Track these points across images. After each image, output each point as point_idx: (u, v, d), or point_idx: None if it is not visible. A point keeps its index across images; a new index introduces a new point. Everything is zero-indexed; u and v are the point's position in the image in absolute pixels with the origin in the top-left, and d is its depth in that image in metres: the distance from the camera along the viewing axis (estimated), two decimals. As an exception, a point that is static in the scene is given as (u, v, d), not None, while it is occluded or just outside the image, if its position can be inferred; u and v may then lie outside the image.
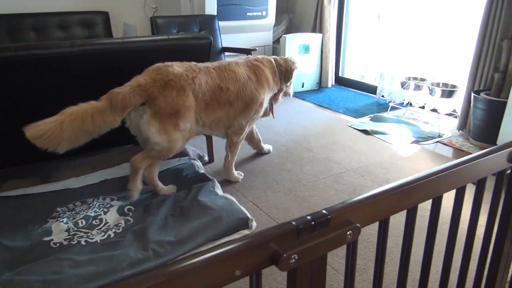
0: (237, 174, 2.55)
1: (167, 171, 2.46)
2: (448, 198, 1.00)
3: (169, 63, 2.10)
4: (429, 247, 0.99)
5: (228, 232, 1.92)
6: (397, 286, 0.98)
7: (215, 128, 2.36)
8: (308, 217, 0.71)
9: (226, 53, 3.93)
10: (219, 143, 3.04)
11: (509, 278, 1.28)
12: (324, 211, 0.74)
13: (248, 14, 4.16)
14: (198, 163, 2.61)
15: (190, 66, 2.14)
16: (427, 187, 0.89)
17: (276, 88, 2.56)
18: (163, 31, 3.53)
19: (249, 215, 2.03)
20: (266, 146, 2.94)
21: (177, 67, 2.09)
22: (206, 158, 2.80)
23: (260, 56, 2.52)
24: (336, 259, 1.81)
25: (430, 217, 0.96)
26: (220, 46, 3.81)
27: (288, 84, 2.64)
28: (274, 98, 2.64)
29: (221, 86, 2.21)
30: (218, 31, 3.82)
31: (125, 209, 2.09)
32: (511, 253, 1.23)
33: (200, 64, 2.21)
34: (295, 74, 2.61)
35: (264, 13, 4.26)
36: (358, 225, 0.75)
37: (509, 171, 1.10)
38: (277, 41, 4.63)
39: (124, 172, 2.41)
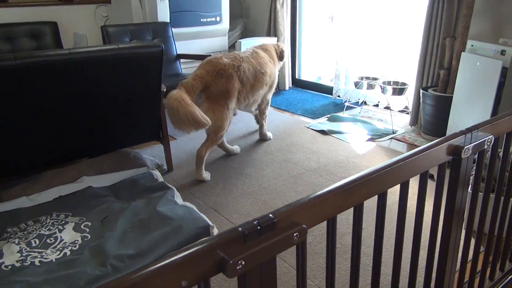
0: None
1: (124, 182, 2.41)
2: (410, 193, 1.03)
3: (218, 55, 2.63)
4: (378, 242, 1.02)
5: (189, 241, 1.90)
6: (350, 281, 1.01)
7: (252, 105, 2.95)
8: (254, 222, 0.72)
9: (182, 60, 3.90)
10: (177, 152, 3.01)
11: (458, 267, 1.34)
12: (270, 215, 0.74)
13: (202, 20, 4.15)
14: (156, 172, 2.57)
15: (234, 56, 2.68)
16: (372, 184, 0.92)
17: (279, 66, 3.18)
18: (115, 40, 3.46)
19: (210, 222, 2.02)
20: (235, 148, 3.07)
21: (225, 58, 2.61)
22: (165, 167, 2.77)
23: (267, 43, 3.14)
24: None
25: (377, 213, 1.00)
26: (175, 53, 3.78)
27: (281, 63, 3.22)
28: None
29: (262, 71, 2.80)
30: (172, 38, 3.78)
31: (82, 226, 2.02)
32: (457, 241, 1.29)
33: (242, 54, 2.77)
34: (281, 55, 3.18)
35: (218, 18, 4.27)
36: (304, 226, 0.76)
37: (449, 164, 1.16)
38: (232, 46, 4.64)
39: (80, 186, 2.34)
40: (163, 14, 3.86)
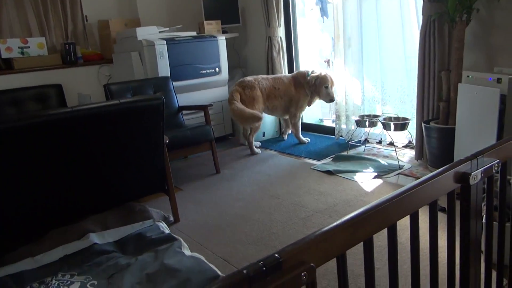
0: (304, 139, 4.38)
1: (130, 236, 2.36)
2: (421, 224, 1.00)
3: (247, 77, 4.22)
4: (392, 279, 0.97)
5: (198, 294, 1.83)
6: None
7: (275, 111, 4.32)
8: (260, 263, 0.69)
9: (184, 112, 3.97)
10: (183, 202, 2.99)
11: (481, 300, 1.26)
12: (276, 255, 0.72)
13: (201, 72, 4.26)
14: (163, 224, 2.53)
15: (257, 77, 4.21)
16: (379, 217, 0.89)
17: (308, 93, 4.20)
18: (117, 96, 3.54)
19: (219, 273, 1.95)
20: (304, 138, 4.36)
21: (250, 78, 4.19)
22: (171, 218, 2.73)
23: (295, 72, 4.39)
24: None
25: (388, 246, 0.96)
26: (177, 106, 3.84)
27: (317, 93, 4.15)
28: (309, 101, 4.28)
29: (275, 87, 4.18)
30: (173, 92, 3.87)
31: (88, 285, 1.96)
32: (478, 275, 1.23)
33: (264, 75, 4.29)
34: (314, 83, 4.11)
35: (217, 70, 4.38)
36: (312, 264, 0.73)
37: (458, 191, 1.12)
38: (233, 95, 4.73)
39: (85, 244, 2.29)
40: (164, 69, 3.98)
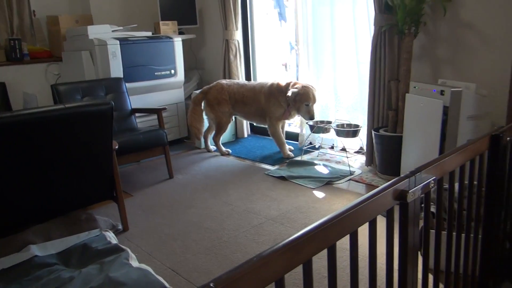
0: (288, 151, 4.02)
1: (74, 247, 2.26)
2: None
3: (223, 80, 4.27)
4: (332, 298, 0.98)
5: (145, 307, 1.78)
6: None
7: (249, 117, 4.24)
8: (193, 294, 0.67)
9: (137, 114, 3.86)
10: (133, 209, 2.90)
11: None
12: (211, 284, 0.70)
13: (156, 74, 4.17)
14: (110, 234, 2.44)
15: (232, 81, 4.20)
16: (319, 238, 0.89)
17: (283, 105, 3.86)
18: (66, 98, 3.39)
19: (167, 285, 1.91)
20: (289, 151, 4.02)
21: (225, 81, 4.18)
22: (120, 227, 2.64)
23: (275, 82, 3.93)
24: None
25: (328, 267, 0.97)
26: (130, 108, 3.74)
27: (296, 108, 3.76)
28: (284, 115, 3.91)
29: (244, 94, 4.01)
30: (126, 93, 3.76)
31: (27, 299, 1.86)
32: (415, 280, 1.27)
33: (241, 82, 4.24)
34: (294, 99, 3.70)
35: (172, 71, 4.31)
36: (247, 293, 0.72)
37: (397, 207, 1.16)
38: (189, 97, 4.67)
39: (25, 256, 2.16)
40: (116, 70, 3.86)
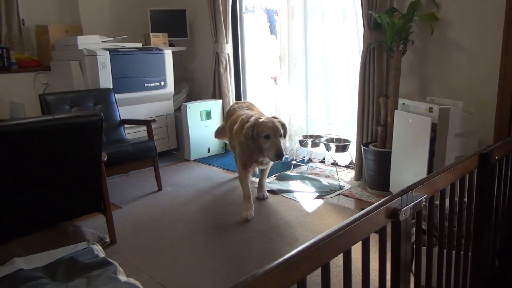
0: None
1: (61, 260, 2.21)
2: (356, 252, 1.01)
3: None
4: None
5: (132, 324, 1.74)
6: None
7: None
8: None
9: (126, 125, 3.84)
10: (121, 221, 2.87)
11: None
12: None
13: (145, 85, 4.15)
14: (97, 247, 2.40)
15: (241, 105, 3.39)
16: (312, 257, 0.89)
17: (244, 149, 2.94)
18: (54, 108, 3.35)
19: (155, 300, 1.88)
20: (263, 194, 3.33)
21: (236, 104, 3.44)
22: (108, 239, 2.60)
23: (253, 115, 2.97)
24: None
25: (322, 285, 0.96)
26: (119, 119, 3.71)
27: (254, 145, 2.85)
28: (249, 162, 3.00)
29: (231, 121, 3.20)
30: (115, 104, 3.73)
31: (9, 315, 1.81)
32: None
33: (252, 108, 3.38)
34: (252, 136, 2.82)
35: (162, 83, 4.30)
36: (242, 314, 0.71)
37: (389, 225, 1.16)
38: (178, 109, 4.66)
39: (9, 270, 2.10)
40: (106, 80, 3.83)
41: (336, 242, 0.96)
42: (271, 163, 3.17)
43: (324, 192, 3.32)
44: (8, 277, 2.07)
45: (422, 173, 2.63)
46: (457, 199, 1.55)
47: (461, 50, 2.96)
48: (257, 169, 3.53)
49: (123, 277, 2.09)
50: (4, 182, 2.08)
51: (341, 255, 1.01)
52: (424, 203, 1.24)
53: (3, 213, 2.17)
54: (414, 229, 1.36)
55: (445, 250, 1.51)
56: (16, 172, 2.11)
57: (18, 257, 2.20)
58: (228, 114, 3.42)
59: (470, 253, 1.65)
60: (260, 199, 3.25)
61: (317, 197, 3.24)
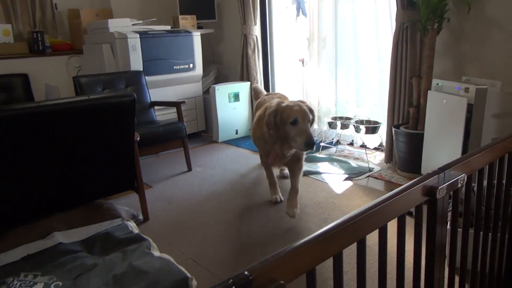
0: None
1: (97, 235, 2.30)
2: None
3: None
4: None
5: (166, 296, 1.81)
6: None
7: None
8: (229, 281, 0.68)
9: (156, 107, 3.90)
10: (153, 200, 2.94)
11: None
12: (245, 272, 0.71)
13: (175, 67, 4.19)
14: (131, 223, 2.48)
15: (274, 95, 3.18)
16: (349, 231, 0.90)
17: (266, 139, 2.53)
18: (87, 90, 3.44)
19: (188, 274, 1.93)
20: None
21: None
22: (141, 217, 2.68)
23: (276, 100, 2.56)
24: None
25: (357, 261, 0.97)
26: (149, 101, 3.77)
27: (278, 134, 2.42)
28: (271, 156, 2.60)
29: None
30: (145, 86, 3.79)
31: (52, 286, 1.90)
32: (441, 279, 1.26)
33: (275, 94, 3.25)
34: (275, 123, 2.39)
35: (191, 65, 4.33)
36: (282, 282, 0.73)
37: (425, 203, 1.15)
38: (207, 91, 4.69)
39: (50, 243, 2.22)
40: (136, 63, 3.89)
41: (372, 218, 0.96)
42: (302, 161, 2.71)
43: (353, 174, 3.30)
44: (48, 250, 2.18)
45: (456, 155, 2.57)
46: (495, 181, 1.51)
47: (500, 28, 2.83)
48: (286, 171, 3.31)
49: (156, 252, 2.16)
50: (43, 160, 2.17)
51: (377, 231, 1.01)
52: (462, 182, 1.21)
53: (42, 190, 2.27)
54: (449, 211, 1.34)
55: (481, 232, 1.48)
56: (54, 151, 2.19)
57: (57, 231, 2.30)
58: (257, 107, 2.98)
59: (507, 236, 1.61)
60: (290, 216, 2.56)
61: (346, 179, 3.22)
